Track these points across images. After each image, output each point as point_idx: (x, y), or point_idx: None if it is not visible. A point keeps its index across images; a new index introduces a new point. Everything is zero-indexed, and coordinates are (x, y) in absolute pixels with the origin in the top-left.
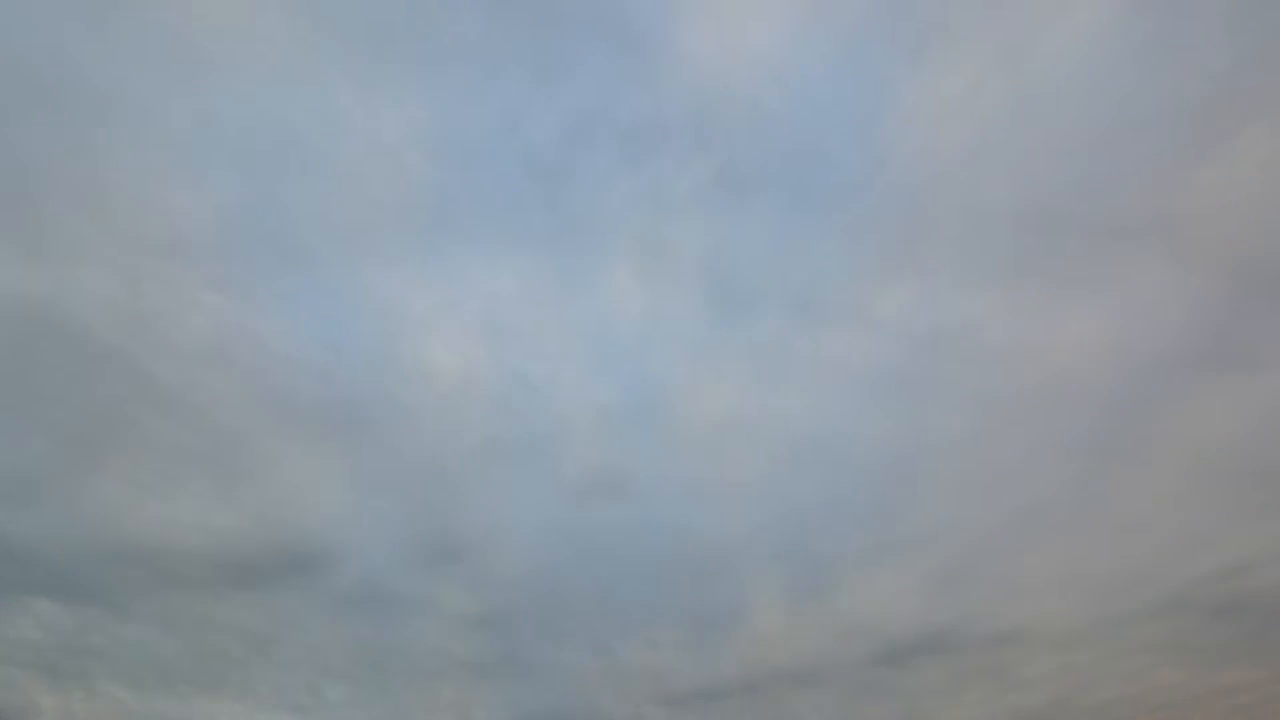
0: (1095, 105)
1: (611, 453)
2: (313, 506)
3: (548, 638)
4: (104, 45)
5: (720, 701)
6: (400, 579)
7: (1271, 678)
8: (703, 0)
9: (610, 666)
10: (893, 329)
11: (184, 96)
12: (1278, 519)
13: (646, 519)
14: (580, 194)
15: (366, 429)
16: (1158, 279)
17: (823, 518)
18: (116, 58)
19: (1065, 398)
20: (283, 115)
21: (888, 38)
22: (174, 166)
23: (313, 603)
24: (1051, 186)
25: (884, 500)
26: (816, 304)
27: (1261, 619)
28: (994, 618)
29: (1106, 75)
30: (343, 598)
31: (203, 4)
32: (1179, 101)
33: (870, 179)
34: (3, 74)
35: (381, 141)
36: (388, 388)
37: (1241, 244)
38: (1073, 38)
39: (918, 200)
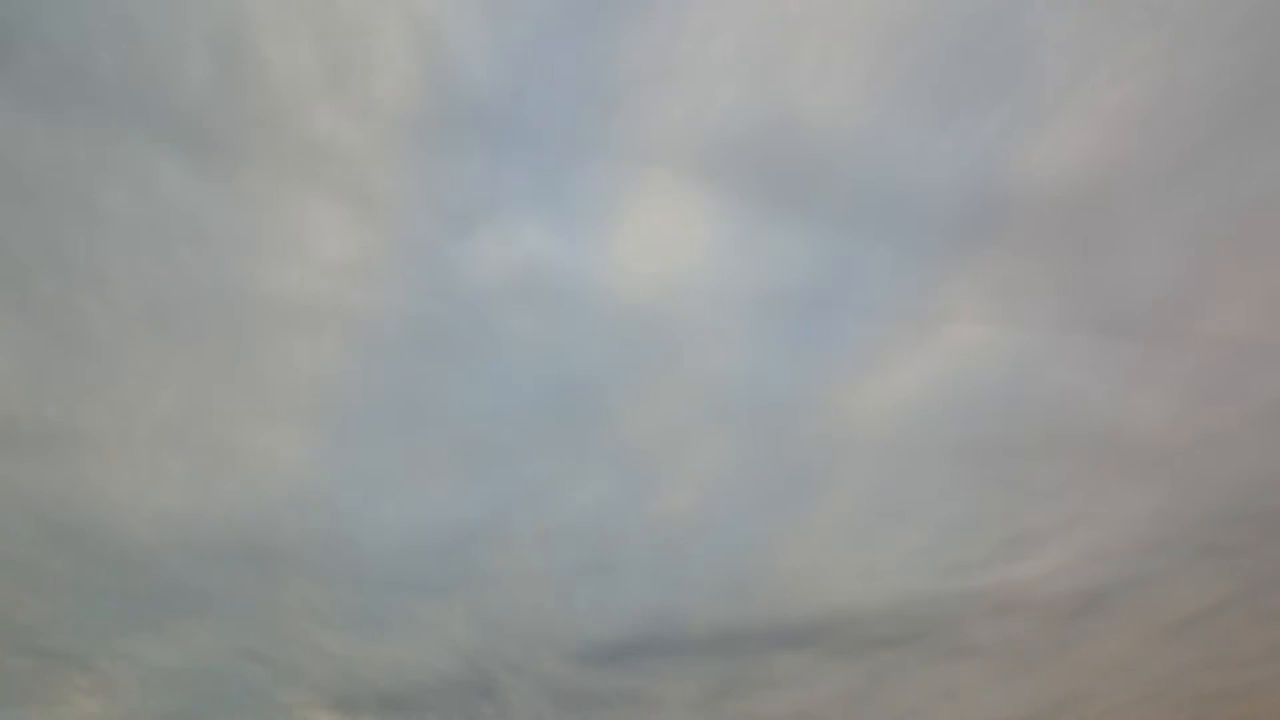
0: None
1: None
2: None
3: (160, 637)
4: None
5: (430, 710)
6: None
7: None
8: None
9: (282, 673)
10: (334, 264)
11: None
12: (1027, 504)
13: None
14: None
15: None
16: (697, 203)
17: (408, 495)
18: None
19: (680, 347)
20: None
21: None
22: None
23: None
24: (452, 53)
25: (476, 475)
26: (206, 232)
27: (1060, 618)
28: (730, 616)
29: None
30: None
31: None
32: None
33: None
34: None
35: None
36: None
37: (791, 154)
38: None
39: (232, 87)
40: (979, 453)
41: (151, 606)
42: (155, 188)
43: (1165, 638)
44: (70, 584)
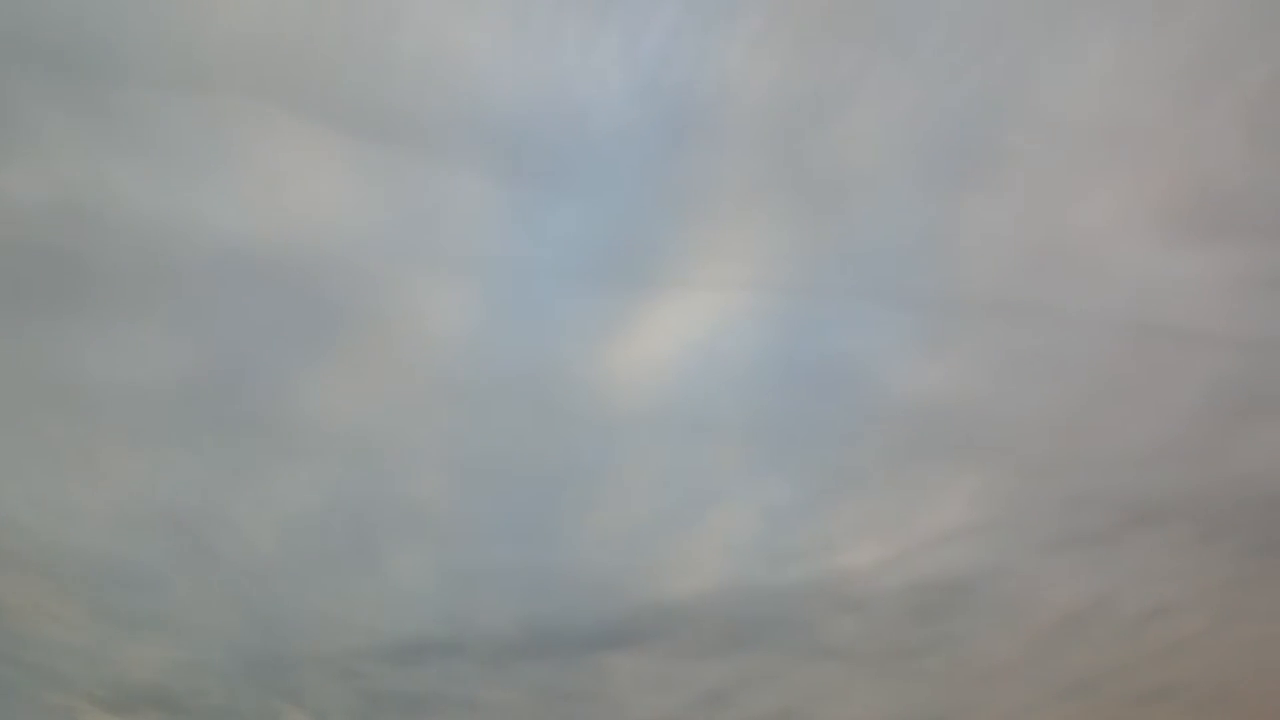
0: None
1: None
2: None
3: None
4: None
5: (228, 714)
6: None
7: None
8: None
9: (37, 673)
10: None
11: None
12: (845, 486)
13: None
14: None
15: None
16: (319, 142)
17: (83, 480)
18: None
19: (372, 313)
20: None
21: None
22: None
23: None
24: None
25: (158, 457)
26: None
27: (923, 615)
28: (540, 614)
29: None
30: None
31: None
32: None
33: None
34: None
35: None
36: None
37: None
38: None
39: None
40: (776, 430)
41: None
42: None
43: (1053, 639)
44: None
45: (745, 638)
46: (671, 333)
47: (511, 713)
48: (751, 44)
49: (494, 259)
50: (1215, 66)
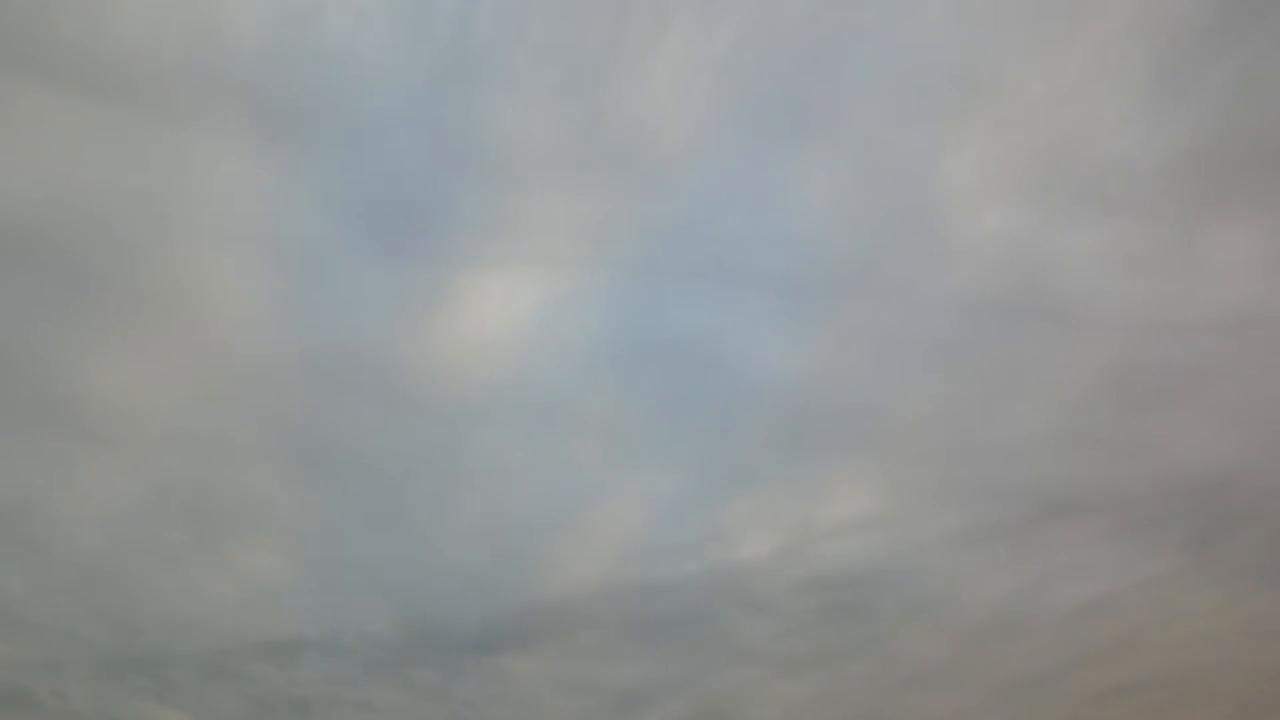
0: None
1: None
2: None
3: None
4: None
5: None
6: None
7: None
8: None
9: None
10: None
11: None
12: (729, 477)
13: None
14: None
15: None
16: (74, 112)
17: None
18: None
19: (169, 295)
20: None
21: None
22: None
23: None
24: None
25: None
26: None
27: (832, 614)
28: (416, 616)
29: None
30: None
31: None
32: None
33: None
34: None
35: None
36: None
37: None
38: None
39: None
40: (640, 419)
41: None
42: None
43: (984, 637)
44: None
45: (651, 637)
46: (498, 311)
47: (408, 715)
48: None
49: (271, 227)
50: (1070, 2)
